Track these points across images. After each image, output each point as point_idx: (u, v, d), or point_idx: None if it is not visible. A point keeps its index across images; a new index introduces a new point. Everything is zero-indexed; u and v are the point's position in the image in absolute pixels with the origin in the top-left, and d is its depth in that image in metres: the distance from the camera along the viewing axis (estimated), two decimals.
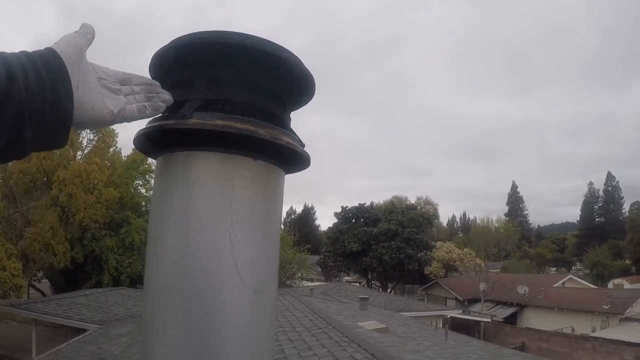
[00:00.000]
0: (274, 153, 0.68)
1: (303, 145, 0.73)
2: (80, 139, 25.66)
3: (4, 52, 0.58)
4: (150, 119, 0.69)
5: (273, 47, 0.68)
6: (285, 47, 0.69)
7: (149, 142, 0.70)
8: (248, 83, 0.69)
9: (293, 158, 0.71)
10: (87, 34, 0.66)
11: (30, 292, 24.47)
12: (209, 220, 0.64)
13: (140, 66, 0.80)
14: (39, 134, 0.58)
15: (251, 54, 0.67)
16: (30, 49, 0.61)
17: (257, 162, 0.67)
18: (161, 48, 0.71)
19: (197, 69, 0.68)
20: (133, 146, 0.76)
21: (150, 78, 0.71)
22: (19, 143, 0.57)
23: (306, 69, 0.72)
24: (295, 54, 0.71)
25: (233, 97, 0.67)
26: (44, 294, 23.50)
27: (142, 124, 0.71)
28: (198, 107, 0.66)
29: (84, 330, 12.92)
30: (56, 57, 0.60)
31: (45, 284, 25.97)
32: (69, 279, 23.42)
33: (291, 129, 0.74)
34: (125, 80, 0.69)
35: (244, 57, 0.67)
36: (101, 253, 22.78)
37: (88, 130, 25.25)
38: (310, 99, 0.78)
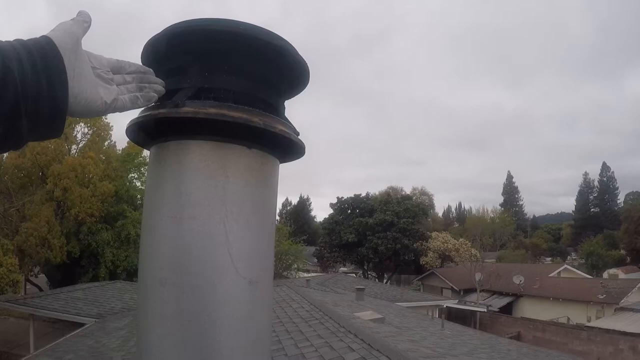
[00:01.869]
0: (269, 141, 0.67)
1: (297, 134, 0.72)
2: (75, 132, 25.53)
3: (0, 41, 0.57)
4: (143, 108, 0.68)
5: (267, 35, 0.66)
6: (279, 35, 0.68)
7: (141, 132, 0.69)
8: (242, 71, 0.67)
9: (287, 146, 0.70)
10: (83, 22, 0.65)
11: (27, 287, 24.42)
12: (203, 210, 0.63)
13: (132, 60, 0.79)
14: (35, 123, 0.57)
15: (245, 42, 0.65)
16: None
17: (251, 151, 0.66)
18: (153, 36, 0.69)
19: (190, 57, 0.67)
20: (127, 140, 0.76)
21: (143, 65, 0.70)
22: (15, 133, 0.56)
23: (300, 57, 0.71)
24: (290, 42, 0.70)
25: (226, 86, 0.66)
26: (40, 289, 23.46)
27: (134, 114, 0.70)
28: (191, 95, 0.65)
29: (81, 325, 12.89)
30: (52, 46, 0.59)
31: (42, 279, 25.92)
32: (66, 273, 23.36)
33: (285, 117, 0.73)
34: (118, 68, 0.68)
35: (237, 44, 0.66)
36: (97, 247, 22.73)
37: (82, 124, 25.18)
38: (305, 87, 0.77)
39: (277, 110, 0.71)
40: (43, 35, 0.61)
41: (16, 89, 0.54)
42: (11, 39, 0.60)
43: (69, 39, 0.62)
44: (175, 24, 0.68)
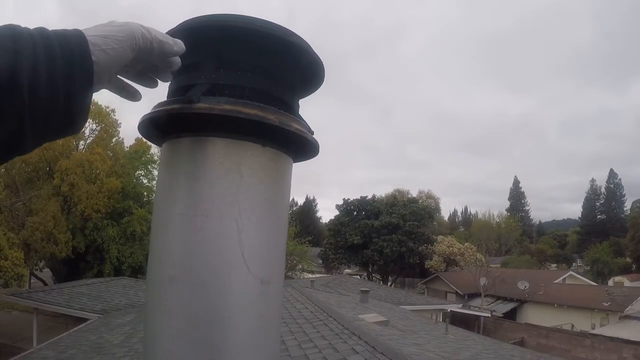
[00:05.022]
0: (283, 140, 0.66)
1: (312, 133, 0.72)
2: (83, 128, 25.69)
3: (17, 33, 0.47)
4: (156, 103, 0.68)
5: (283, 32, 0.66)
6: (295, 32, 0.67)
7: (153, 128, 0.68)
8: (257, 68, 0.67)
9: (302, 145, 0.70)
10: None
11: (31, 281, 24.56)
12: (215, 207, 0.62)
13: None
14: (42, 139, 0.51)
15: (260, 38, 0.65)
16: None
17: (265, 149, 0.65)
18: (168, 31, 0.69)
19: (205, 53, 0.66)
20: (135, 136, 0.75)
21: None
22: (18, 149, 0.49)
23: (316, 54, 0.70)
24: (305, 40, 0.69)
25: (241, 82, 0.65)
26: (45, 283, 23.58)
27: (146, 110, 0.69)
28: (205, 91, 0.64)
29: (84, 320, 12.96)
30: (85, 71, 0.50)
31: (46, 273, 26.07)
32: (71, 268, 23.50)
33: (300, 115, 0.72)
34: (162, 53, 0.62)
35: (252, 41, 0.65)
36: (103, 243, 22.87)
37: (91, 120, 25.32)
38: (320, 85, 0.76)
39: (291, 109, 0.70)
40: (81, 47, 0.50)
41: (22, 108, 0.45)
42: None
43: (113, 63, 0.54)
44: (191, 19, 0.67)
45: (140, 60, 0.60)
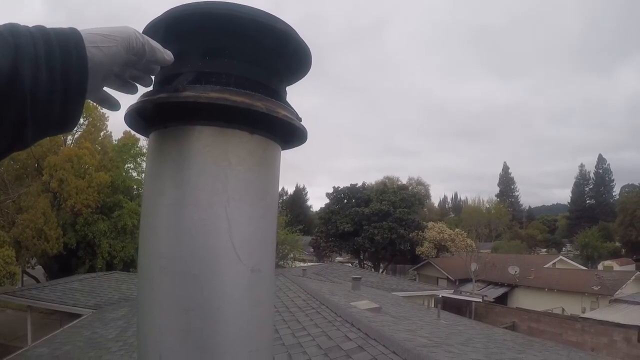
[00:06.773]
0: (271, 127, 0.66)
1: (300, 120, 0.71)
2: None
3: (16, 29, 0.49)
4: (142, 93, 0.67)
5: (269, 18, 0.65)
6: (282, 18, 0.67)
7: (140, 118, 0.67)
8: (243, 55, 0.66)
9: (290, 132, 0.69)
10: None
11: (24, 279, 24.43)
12: (204, 196, 0.62)
13: None
14: (41, 133, 0.53)
15: (247, 25, 0.64)
16: None
17: (253, 137, 0.65)
18: (153, 20, 0.68)
19: (190, 41, 0.66)
20: (123, 130, 0.74)
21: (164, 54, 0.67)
22: (20, 140, 0.51)
23: (303, 41, 0.70)
24: (292, 26, 0.69)
25: (228, 70, 0.65)
26: (37, 281, 23.47)
27: (133, 99, 0.68)
28: (191, 79, 0.63)
29: (78, 316, 12.95)
30: (81, 64, 0.52)
31: (39, 271, 25.94)
32: (63, 264, 23.40)
33: (287, 102, 0.72)
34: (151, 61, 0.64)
35: (239, 28, 0.64)
36: (94, 238, 22.77)
37: None
38: (307, 72, 0.76)
39: (279, 96, 0.70)
40: (78, 49, 0.52)
41: (23, 104, 0.48)
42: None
43: (107, 61, 0.56)
44: (175, 7, 0.66)
45: (130, 64, 0.62)
